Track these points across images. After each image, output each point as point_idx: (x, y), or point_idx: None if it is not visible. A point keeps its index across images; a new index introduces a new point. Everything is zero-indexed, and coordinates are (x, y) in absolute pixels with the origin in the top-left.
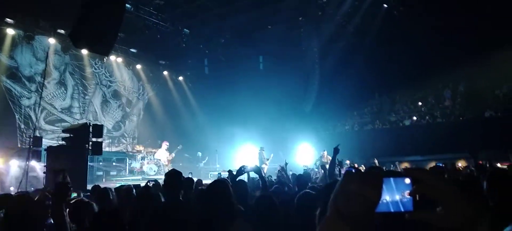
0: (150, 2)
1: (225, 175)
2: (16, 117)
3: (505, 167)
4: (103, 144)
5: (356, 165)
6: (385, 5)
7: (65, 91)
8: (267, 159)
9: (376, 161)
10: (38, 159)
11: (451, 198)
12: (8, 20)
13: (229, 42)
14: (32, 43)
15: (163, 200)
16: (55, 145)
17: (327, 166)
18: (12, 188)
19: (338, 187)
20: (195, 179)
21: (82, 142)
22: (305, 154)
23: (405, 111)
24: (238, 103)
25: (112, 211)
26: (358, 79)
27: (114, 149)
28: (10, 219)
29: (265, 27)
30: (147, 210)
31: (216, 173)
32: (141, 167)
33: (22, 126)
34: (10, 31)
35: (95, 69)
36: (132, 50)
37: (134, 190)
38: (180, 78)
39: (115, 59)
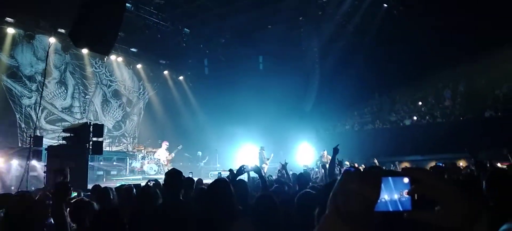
0: (150, 1)
1: (225, 174)
2: (17, 116)
3: (505, 167)
4: (104, 144)
5: (356, 165)
6: (385, 5)
7: (65, 91)
8: (267, 159)
9: (376, 161)
10: (39, 158)
11: (450, 197)
12: (9, 19)
13: (229, 42)
14: (32, 42)
15: (163, 199)
16: (55, 144)
17: (328, 166)
18: (12, 188)
19: (337, 186)
20: (195, 179)
21: (82, 141)
22: (305, 154)
23: (405, 111)
24: (238, 103)
25: (112, 210)
26: (358, 79)
27: (114, 149)
28: (10, 218)
29: (265, 27)
30: (147, 209)
31: (216, 172)
32: (142, 167)
33: (23, 125)
34: (11, 31)
35: (96, 68)
36: (132, 49)
37: (134, 190)
38: (180, 78)
39: (115, 58)
